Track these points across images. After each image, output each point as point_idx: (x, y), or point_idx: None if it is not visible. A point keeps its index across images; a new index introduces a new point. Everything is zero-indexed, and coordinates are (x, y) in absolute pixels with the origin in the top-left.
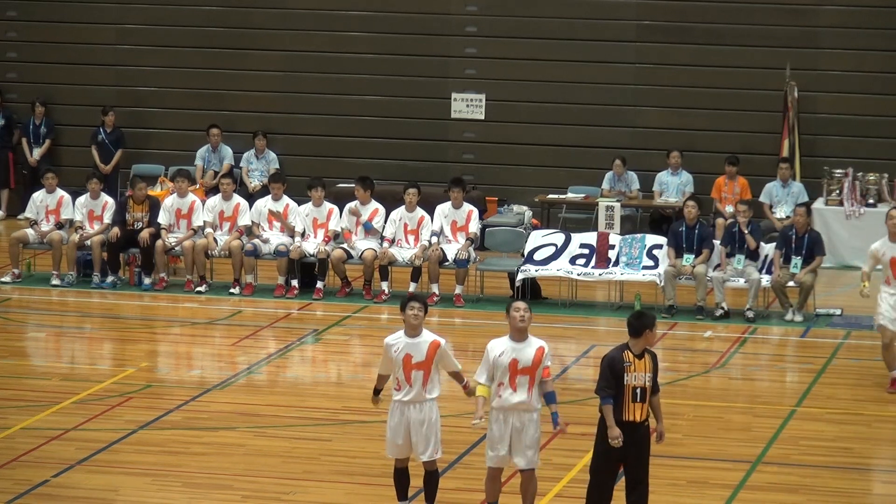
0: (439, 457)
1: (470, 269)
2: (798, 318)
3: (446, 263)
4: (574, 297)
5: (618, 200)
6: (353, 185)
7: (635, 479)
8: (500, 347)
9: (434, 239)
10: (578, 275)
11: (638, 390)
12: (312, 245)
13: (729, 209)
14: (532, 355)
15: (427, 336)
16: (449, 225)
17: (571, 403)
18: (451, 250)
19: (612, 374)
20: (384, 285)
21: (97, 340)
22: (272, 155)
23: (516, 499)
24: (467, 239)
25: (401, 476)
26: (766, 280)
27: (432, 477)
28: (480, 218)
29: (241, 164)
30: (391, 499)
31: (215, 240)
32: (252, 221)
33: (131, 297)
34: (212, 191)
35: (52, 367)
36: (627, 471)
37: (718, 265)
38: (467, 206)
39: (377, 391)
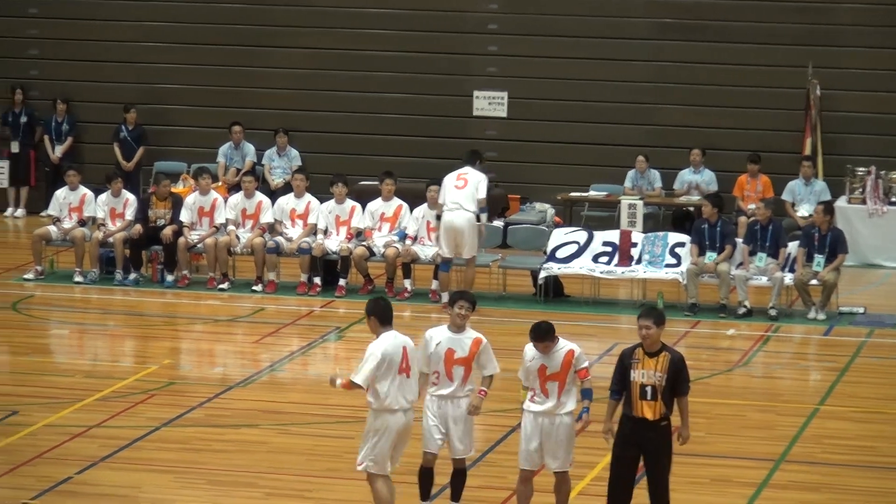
0: (471, 454)
1: (492, 267)
2: (821, 316)
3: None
4: (597, 295)
5: (640, 198)
6: (376, 183)
7: (652, 479)
8: (531, 353)
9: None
10: (601, 273)
11: (648, 388)
12: (335, 242)
13: (751, 207)
14: (561, 360)
15: (471, 333)
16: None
17: (594, 401)
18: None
19: (621, 368)
20: (407, 283)
21: (119, 337)
22: (294, 152)
23: (549, 497)
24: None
25: (426, 475)
26: (788, 278)
27: (460, 474)
28: (503, 216)
29: (264, 162)
30: (413, 496)
31: (238, 237)
32: (275, 219)
33: (154, 295)
34: (234, 188)
35: (74, 364)
36: (646, 471)
37: (741, 263)
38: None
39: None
